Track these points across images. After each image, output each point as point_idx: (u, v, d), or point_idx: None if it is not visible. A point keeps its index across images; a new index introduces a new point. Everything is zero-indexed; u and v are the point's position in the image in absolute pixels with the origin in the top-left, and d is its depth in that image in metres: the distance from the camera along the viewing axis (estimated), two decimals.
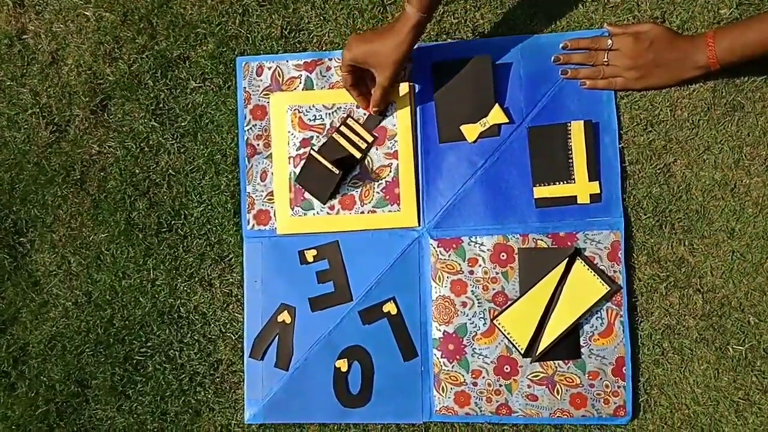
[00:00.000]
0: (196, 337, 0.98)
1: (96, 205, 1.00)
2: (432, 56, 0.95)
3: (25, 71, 1.03)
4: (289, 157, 0.97)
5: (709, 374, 0.90)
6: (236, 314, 0.98)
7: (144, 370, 0.98)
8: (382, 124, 0.95)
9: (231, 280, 0.98)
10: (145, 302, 0.99)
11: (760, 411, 0.90)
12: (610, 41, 0.90)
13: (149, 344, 0.99)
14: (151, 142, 1.00)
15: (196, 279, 0.98)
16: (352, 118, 0.96)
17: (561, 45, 0.92)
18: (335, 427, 0.95)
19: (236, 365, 0.97)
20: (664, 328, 0.92)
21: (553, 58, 0.93)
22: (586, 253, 0.92)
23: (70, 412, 0.99)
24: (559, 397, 0.91)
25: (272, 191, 0.97)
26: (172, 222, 0.99)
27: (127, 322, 0.99)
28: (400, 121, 0.95)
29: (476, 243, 0.93)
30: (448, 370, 0.93)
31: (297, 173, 0.96)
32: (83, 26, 1.02)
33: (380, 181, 0.95)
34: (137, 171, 1.00)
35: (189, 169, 0.99)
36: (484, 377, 0.92)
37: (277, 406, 0.95)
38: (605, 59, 0.90)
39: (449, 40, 0.96)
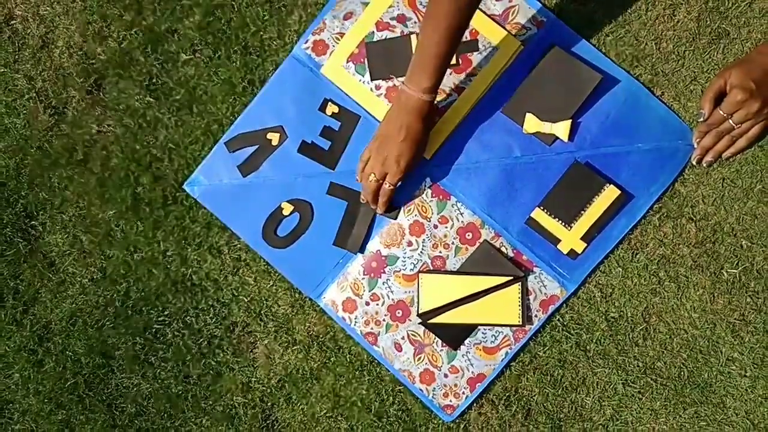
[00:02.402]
0: (210, 303, 1.01)
1: (101, 184, 1.02)
2: (559, 39, 0.93)
3: (17, 57, 1.03)
4: (380, 20, 0.96)
5: (705, 299, 0.93)
6: (247, 278, 1.00)
7: (164, 337, 1.01)
8: (470, 58, 0.94)
9: (239, 245, 1.00)
10: (158, 273, 1.01)
11: (756, 330, 0.93)
12: (721, 112, 0.86)
13: (166, 313, 1.01)
14: (148, 118, 1.01)
15: (205, 247, 1.00)
16: None
17: (695, 161, 0.91)
18: (244, 247, 1.00)
19: (251, 326, 1.00)
20: (659, 258, 0.94)
21: (695, 161, 0.91)
22: (529, 285, 0.94)
23: (97, 382, 1.02)
24: (416, 363, 0.96)
25: (343, 34, 0.97)
26: (177, 194, 1.01)
27: (143, 294, 1.01)
28: (488, 67, 0.94)
29: (458, 209, 0.96)
30: (357, 278, 0.98)
31: (375, 37, 0.96)
32: (69, 7, 1.02)
33: None
34: (138, 147, 1.01)
35: (188, 141, 1.01)
36: (378, 304, 0.97)
37: (215, 194, 0.99)
38: (731, 123, 0.86)
39: (583, 37, 0.93)
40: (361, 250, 0.98)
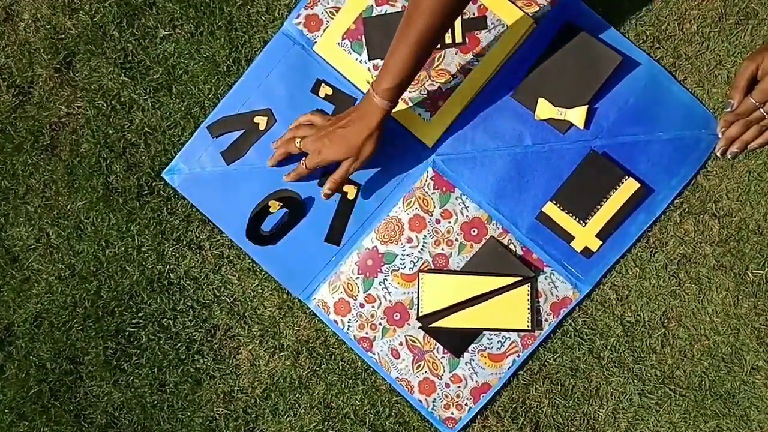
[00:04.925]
0: (189, 304, 0.95)
1: (70, 171, 0.96)
2: (574, 17, 0.87)
3: None
4: None
5: (728, 302, 0.89)
6: (230, 276, 0.95)
7: (138, 341, 0.96)
8: (478, 36, 0.89)
9: (221, 240, 0.95)
10: (132, 271, 0.95)
11: None
12: (752, 100, 0.81)
13: (141, 314, 0.96)
14: (122, 99, 0.95)
15: (184, 242, 0.95)
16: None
17: (719, 152, 0.85)
18: (227, 243, 0.94)
19: (234, 330, 0.95)
20: (679, 257, 0.89)
21: (720, 153, 0.85)
22: (539, 286, 0.89)
23: (64, 390, 0.97)
24: (415, 371, 0.91)
25: (339, 8, 0.91)
26: (153, 183, 0.95)
27: (115, 293, 0.96)
28: (497, 47, 0.88)
29: (462, 202, 0.90)
30: (350, 277, 0.92)
31: (373, 12, 0.90)
32: None
33: (435, 83, 0.90)
34: (110, 131, 0.95)
35: (166, 125, 0.95)
36: (373, 307, 0.92)
37: (196, 184, 0.94)
38: (761, 111, 0.82)
39: (601, 15, 0.88)
40: (337, 242, 0.92)
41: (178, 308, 0.95)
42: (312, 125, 0.87)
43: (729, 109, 0.83)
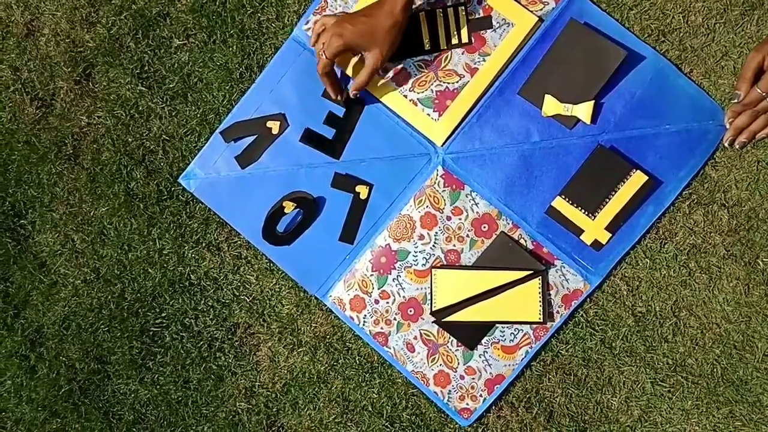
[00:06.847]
0: (210, 303, 0.97)
1: (93, 179, 0.98)
2: (579, 13, 0.88)
3: (1, 46, 0.98)
4: None
5: (739, 290, 0.88)
6: (248, 276, 0.96)
7: (162, 340, 0.97)
8: (483, 36, 0.89)
9: (239, 242, 0.96)
10: (154, 273, 0.97)
11: None
12: (758, 90, 0.81)
13: (164, 315, 0.97)
14: (140, 108, 0.96)
15: (204, 244, 0.96)
16: (467, 8, 0.89)
17: (727, 142, 0.84)
18: (245, 244, 0.96)
19: (253, 327, 0.96)
20: (689, 247, 0.89)
21: (727, 143, 0.84)
22: (550, 279, 0.90)
23: (93, 389, 0.99)
24: (430, 364, 0.92)
25: (347, 12, 0.90)
26: (172, 189, 0.97)
27: (138, 295, 0.98)
28: (503, 45, 0.89)
29: (473, 199, 0.91)
30: (365, 274, 0.93)
31: None
32: None
33: (442, 84, 0.91)
34: (130, 139, 0.97)
35: (183, 132, 0.96)
36: (388, 302, 0.93)
37: (213, 188, 0.95)
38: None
39: (605, 11, 0.88)
40: (351, 241, 0.93)
41: (200, 308, 0.97)
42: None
43: (736, 100, 0.82)
